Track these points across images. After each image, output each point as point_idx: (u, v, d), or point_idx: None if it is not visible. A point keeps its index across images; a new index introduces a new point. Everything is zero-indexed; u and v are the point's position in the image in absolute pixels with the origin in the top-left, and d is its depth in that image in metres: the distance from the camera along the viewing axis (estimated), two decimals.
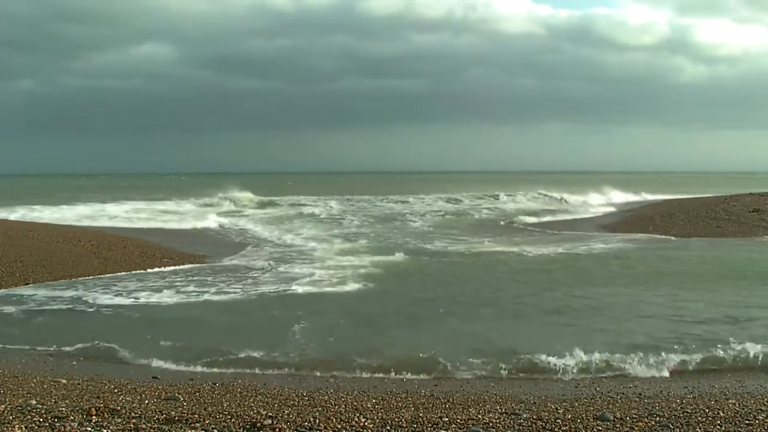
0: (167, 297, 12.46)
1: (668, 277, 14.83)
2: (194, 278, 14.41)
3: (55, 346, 9.23)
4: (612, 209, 37.17)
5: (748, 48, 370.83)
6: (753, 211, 27.07)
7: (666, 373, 8.27)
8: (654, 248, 19.83)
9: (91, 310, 11.51)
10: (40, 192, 54.75)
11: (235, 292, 13.02)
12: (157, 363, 8.65)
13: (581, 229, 26.48)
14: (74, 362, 8.60)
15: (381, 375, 8.27)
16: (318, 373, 8.31)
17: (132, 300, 12.19)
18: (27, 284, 13.34)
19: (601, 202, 42.85)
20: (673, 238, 22.58)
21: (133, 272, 15.14)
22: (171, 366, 8.57)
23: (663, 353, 8.69)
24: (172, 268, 15.89)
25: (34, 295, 12.45)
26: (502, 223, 31.05)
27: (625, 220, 29.67)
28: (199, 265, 16.43)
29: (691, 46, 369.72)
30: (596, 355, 8.58)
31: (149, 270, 15.44)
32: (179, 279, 14.33)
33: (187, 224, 27.43)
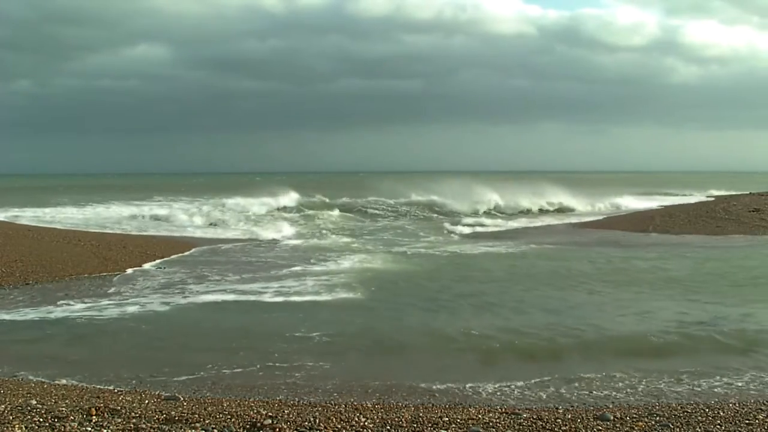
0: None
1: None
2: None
3: None
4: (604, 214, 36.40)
5: (737, 49, 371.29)
6: (753, 211, 27.08)
7: None
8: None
9: None
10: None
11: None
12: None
13: (575, 228, 26.47)
14: None
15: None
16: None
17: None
18: (27, 284, 13.34)
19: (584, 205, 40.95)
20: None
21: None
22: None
23: None
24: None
25: None
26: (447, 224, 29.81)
27: (622, 219, 29.67)
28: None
29: (681, 46, 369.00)
30: None
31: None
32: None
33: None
